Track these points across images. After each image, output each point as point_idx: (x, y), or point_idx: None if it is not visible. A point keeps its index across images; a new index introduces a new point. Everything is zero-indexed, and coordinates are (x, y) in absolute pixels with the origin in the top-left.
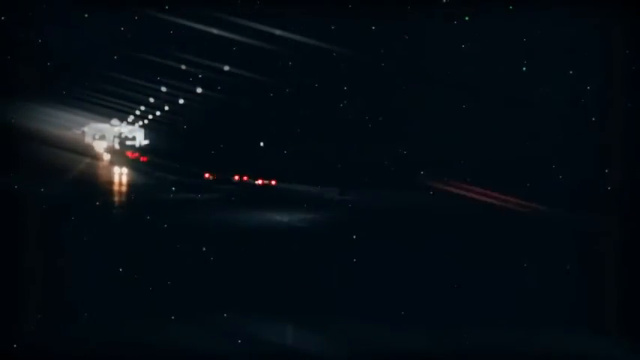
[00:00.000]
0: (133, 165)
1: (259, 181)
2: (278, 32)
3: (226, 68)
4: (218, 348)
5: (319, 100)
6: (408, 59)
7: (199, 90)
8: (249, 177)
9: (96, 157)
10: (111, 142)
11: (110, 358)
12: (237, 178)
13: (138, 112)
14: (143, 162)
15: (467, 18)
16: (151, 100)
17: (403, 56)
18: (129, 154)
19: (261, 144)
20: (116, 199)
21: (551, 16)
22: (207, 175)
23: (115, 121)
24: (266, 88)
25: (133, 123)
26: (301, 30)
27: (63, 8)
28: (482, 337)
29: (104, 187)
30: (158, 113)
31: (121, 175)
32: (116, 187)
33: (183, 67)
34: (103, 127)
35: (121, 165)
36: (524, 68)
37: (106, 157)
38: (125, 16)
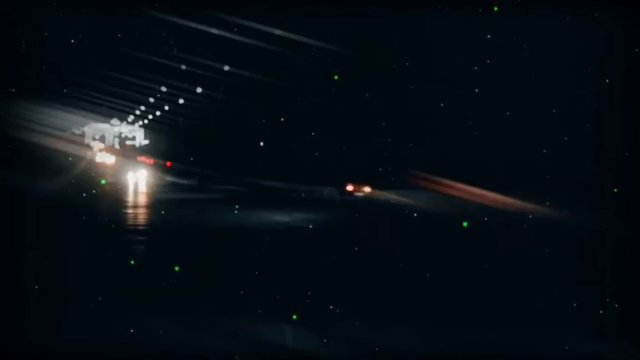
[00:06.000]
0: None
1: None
2: (278, 32)
3: (226, 68)
4: (217, 349)
5: (318, 100)
6: (408, 59)
7: (199, 90)
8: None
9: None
10: (111, 142)
11: (110, 358)
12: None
13: (138, 112)
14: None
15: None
16: (151, 100)
17: (403, 55)
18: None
19: (261, 144)
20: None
21: (550, 16)
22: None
23: (115, 121)
24: (265, 88)
25: (133, 123)
26: (299, 30)
27: (63, 8)
28: (481, 338)
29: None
30: (158, 113)
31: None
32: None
33: (183, 67)
34: (103, 127)
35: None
36: (522, 68)
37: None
38: (125, 16)
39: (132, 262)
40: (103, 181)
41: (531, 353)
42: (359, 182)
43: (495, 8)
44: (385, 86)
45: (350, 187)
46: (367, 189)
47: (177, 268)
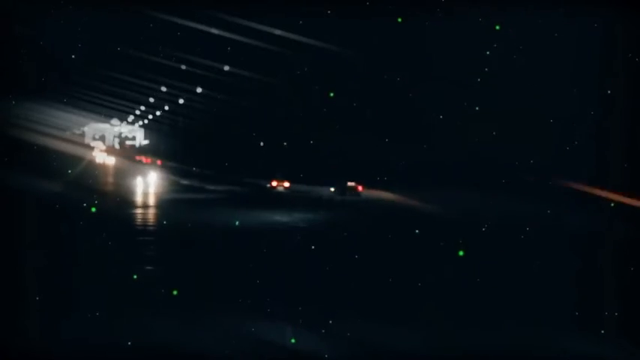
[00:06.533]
0: None
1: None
2: (278, 32)
3: (226, 68)
4: (216, 349)
5: (317, 100)
6: (407, 58)
7: (199, 90)
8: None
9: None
10: (111, 142)
11: (110, 358)
12: None
13: (138, 112)
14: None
15: (497, 27)
16: (151, 100)
17: (402, 55)
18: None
19: (261, 144)
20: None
21: (550, 16)
22: None
23: (115, 121)
24: (266, 88)
25: (133, 123)
26: (298, 30)
27: (63, 8)
28: (481, 337)
29: None
30: (158, 113)
31: None
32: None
33: (183, 67)
34: (103, 127)
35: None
36: (522, 68)
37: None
38: (125, 16)
39: (130, 259)
40: (93, 209)
41: (531, 353)
42: (281, 179)
43: (497, 27)
44: (350, 87)
45: (274, 183)
46: (286, 184)
47: (177, 266)
